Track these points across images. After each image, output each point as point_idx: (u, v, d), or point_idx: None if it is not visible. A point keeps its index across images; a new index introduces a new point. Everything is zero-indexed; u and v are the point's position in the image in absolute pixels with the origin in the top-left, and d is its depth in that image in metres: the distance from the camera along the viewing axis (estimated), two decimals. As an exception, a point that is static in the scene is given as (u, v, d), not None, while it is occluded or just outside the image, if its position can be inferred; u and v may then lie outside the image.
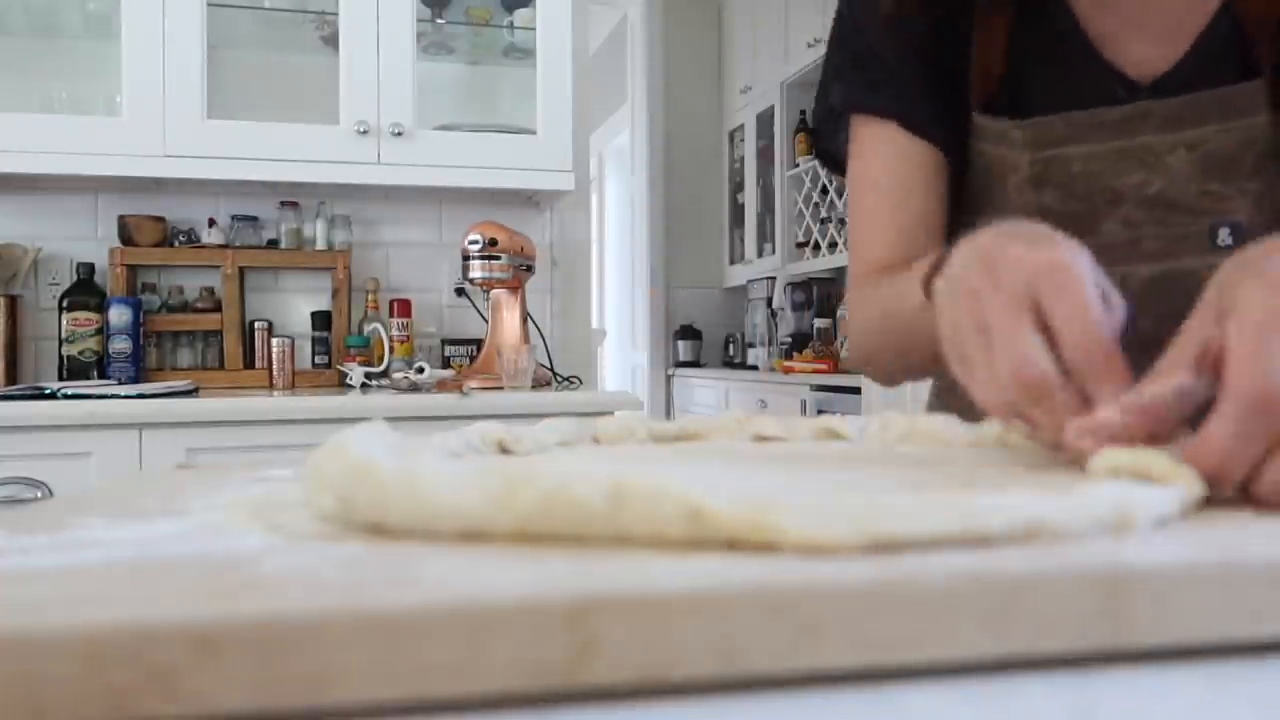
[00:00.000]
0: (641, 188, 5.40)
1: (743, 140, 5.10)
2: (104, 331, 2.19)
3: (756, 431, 0.59)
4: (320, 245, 2.39)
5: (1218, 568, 0.27)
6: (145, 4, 2.10)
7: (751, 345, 4.95)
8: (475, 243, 2.19)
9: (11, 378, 2.17)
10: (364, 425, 0.37)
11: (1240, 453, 0.36)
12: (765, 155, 4.85)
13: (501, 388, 2.10)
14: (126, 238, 2.28)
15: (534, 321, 2.43)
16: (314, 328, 2.37)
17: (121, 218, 2.28)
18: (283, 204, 2.38)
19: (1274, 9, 0.73)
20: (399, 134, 2.20)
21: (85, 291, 2.22)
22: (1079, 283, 0.45)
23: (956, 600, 0.25)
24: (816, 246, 4.35)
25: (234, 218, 2.38)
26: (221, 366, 2.32)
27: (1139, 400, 0.41)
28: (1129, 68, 0.76)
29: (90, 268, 2.22)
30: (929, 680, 0.25)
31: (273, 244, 2.39)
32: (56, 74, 2.26)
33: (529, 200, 2.54)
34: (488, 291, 2.30)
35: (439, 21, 2.50)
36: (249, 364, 2.32)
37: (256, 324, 2.35)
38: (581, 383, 2.40)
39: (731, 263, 5.28)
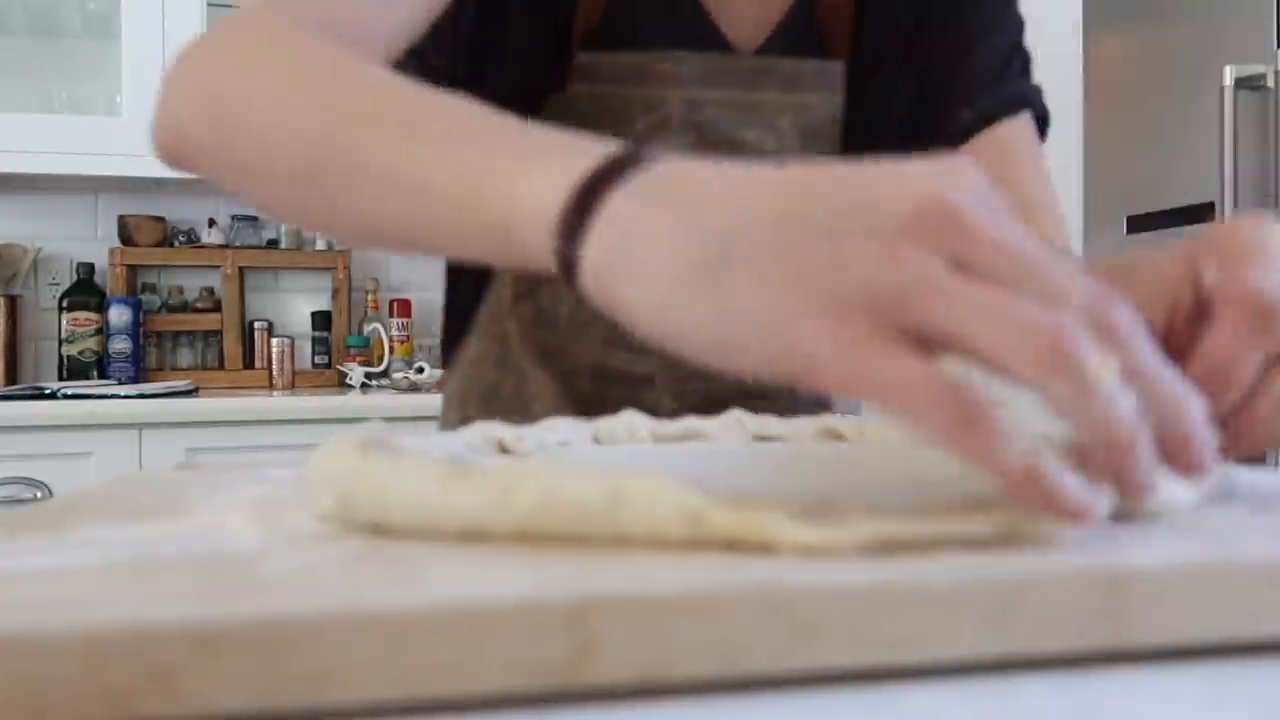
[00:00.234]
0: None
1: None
2: (104, 331, 2.19)
3: (757, 431, 0.59)
4: (320, 245, 2.39)
5: (1217, 567, 0.27)
6: (145, 4, 2.10)
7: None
8: (475, 243, 2.19)
9: (11, 378, 2.16)
10: (364, 425, 0.37)
11: (1243, 359, 0.36)
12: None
13: (501, 388, 2.09)
14: (126, 238, 2.28)
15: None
16: (314, 328, 2.37)
17: (121, 218, 2.28)
18: (283, 204, 2.38)
19: (845, 2, 0.78)
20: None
21: (85, 291, 2.22)
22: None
23: (956, 600, 0.25)
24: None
25: (234, 217, 2.38)
26: (221, 366, 2.32)
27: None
28: (728, 35, 0.78)
29: (90, 268, 2.22)
30: (929, 680, 0.25)
31: (273, 244, 2.39)
32: (56, 74, 2.26)
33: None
34: (488, 291, 2.29)
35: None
36: (249, 364, 2.32)
37: (256, 324, 2.35)
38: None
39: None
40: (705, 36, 0.78)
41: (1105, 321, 0.30)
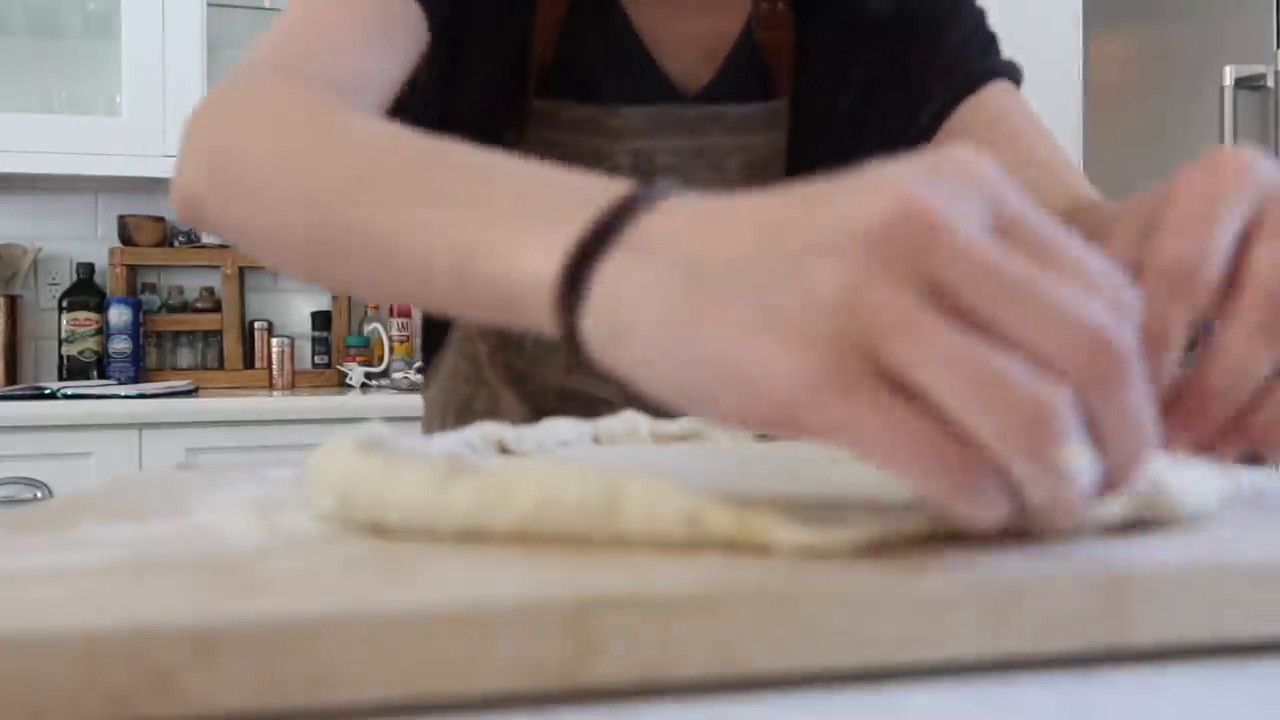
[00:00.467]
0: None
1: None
2: (104, 331, 2.19)
3: (757, 431, 0.59)
4: (320, 245, 2.39)
5: (1216, 568, 0.27)
6: (145, 4, 2.10)
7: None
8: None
9: (11, 378, 2.16)
10: (364, 425, 0.37)
11: (1258, 357, 0.33)
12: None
13: (501, 388, 2.10)
14: (126, 238, 2.28)
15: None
16: (314, 328, 2.37)
17: (121, 218, 2.28)
18: (283, 204, 2.38)
19: (786, 37, 0.81)
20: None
21: (85, 291, 2.21)
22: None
23: (956, 600, 0.25)
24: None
25: (234, 218, 2.38)
26: (221, 366, 2.31)
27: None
28: (675, 78, 0.81)
29: (90, 268, 2.22)
30: (929, 680, 0.25)
31: (273, 244, 2.39)
32: (56, 74, 2.26)
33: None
34: (488, 291, 2.29)
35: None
36: (249, 364, 2.32)
37: (256, 324, 2.35)
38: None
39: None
40: (651, 79, 0.80)
41: (1099, 377, 0.26)
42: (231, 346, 2.31)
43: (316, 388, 2.26)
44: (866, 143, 0.83)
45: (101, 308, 2.20)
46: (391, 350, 2.34)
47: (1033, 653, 0.26)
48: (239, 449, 1.85)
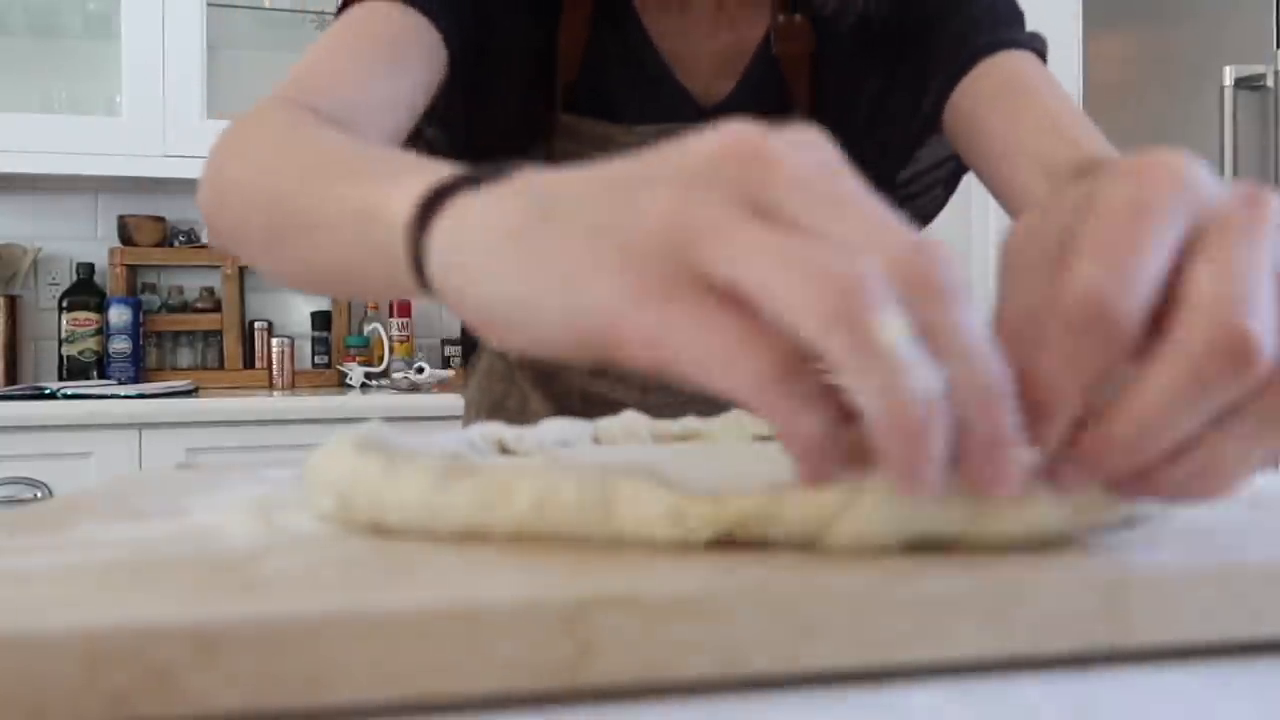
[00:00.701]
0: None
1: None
2: (104, 331, 2.19)
3: (757, 431, 0.59)
4: (320, 245, 2.39)
5: (1217, 568, 0.27)
6: (145, 4, 2.10)
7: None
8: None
9: (11, 378, 2.16)
10: (364, 425, 0.37)
11: (1180, 410, 0.26)
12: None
13: (501, 388, 2.09)
14: (126, 238, 2.28)
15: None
16: (314, 328, 2.37)
17: (121, 218, 2.28)
18: (283, 204, 2.38)
19: (804, 49, 0.81)
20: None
21: (85, 291, 2.21)
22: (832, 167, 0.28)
23: (957, 600, 0.25)
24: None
25: (234, 218, 2.38)
26: (221, 366, 2.32)
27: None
28: (695, 92, 0.82)
29: (90, 268, 2.22)
30: (929, 680, 0.25)
31: (273, 244, 2.39)
32: (56, 74, 2.26)
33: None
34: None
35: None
36: (249, 364, 2.32)
37: (256, 324, 2.35)
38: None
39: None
40: (670, 94, 0.82)
41: (920, 276, 0.25)
42: (231, 346, 2.31)
43: (316, 388, 2.26)
44: (880, 146, 0.84)
45: (101, 308, 2.20)
46: (391, 350, 2.34)
47: (1033, 653, 0.26)
48: (239, 449, 1.85)
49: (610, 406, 0.81)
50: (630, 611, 0.24)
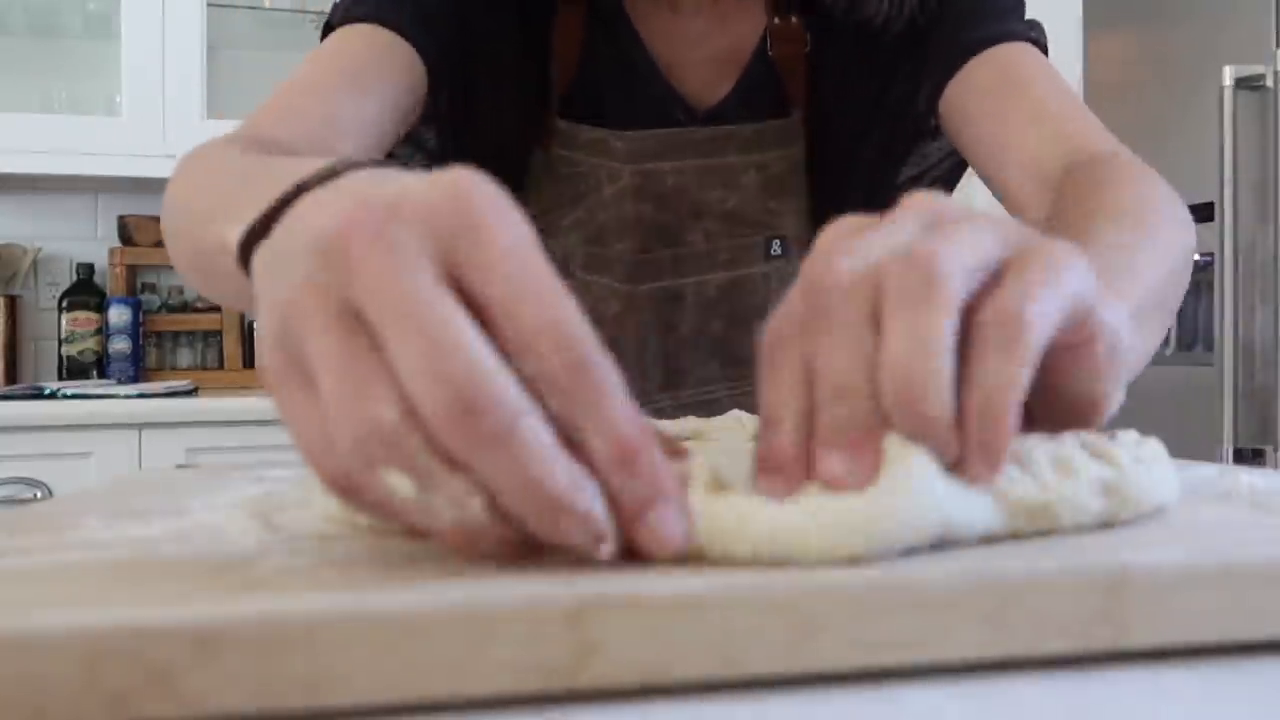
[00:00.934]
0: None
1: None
2: (104, 331, 2.19)
3: (757, 431, 0.59)
4: (320, 245, 2.39)
5: (1217, 567, 0.27)
6: (145, 4, 2.10)
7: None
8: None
9: (11, 378, 2.16)
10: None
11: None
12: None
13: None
14: (126, 238, 2.28)
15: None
16: (314, 328, 2.37)
17: (121, 218, 2.28)
18: (283, 204, 2.38)
19: (800, 51, 0.82)
20: (399, 134, 2.20)
21: (85, 291, 2.21)
22: (509, 227, 0.27)
23: (956, 600, 0.25)
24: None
25: (234, 218, 2.38)
26: (221, 366, 2.31)
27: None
28: (688, 96, 0.83)
29: (90, 268, 2.22)
30: (929, 680, 0.25)
31: (273, 244, 2.39)
32: (56, 74, 2.26)
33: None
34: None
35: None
36: (249, 364, 2.32)
37: (256, 324, 2.35)
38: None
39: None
40: (663, 100, 0.83)
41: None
42: (231, 346, 2.31)
43: (316, 388, 2.26)
44: (878, 146, 0.84)
45: (101, 308, 2.20)
46: (391, 350, 2.34)
47: (1032, 653, 0.26)
48: (239, 449, 1.85)
49: None
50: (630, 612, 0.24)
